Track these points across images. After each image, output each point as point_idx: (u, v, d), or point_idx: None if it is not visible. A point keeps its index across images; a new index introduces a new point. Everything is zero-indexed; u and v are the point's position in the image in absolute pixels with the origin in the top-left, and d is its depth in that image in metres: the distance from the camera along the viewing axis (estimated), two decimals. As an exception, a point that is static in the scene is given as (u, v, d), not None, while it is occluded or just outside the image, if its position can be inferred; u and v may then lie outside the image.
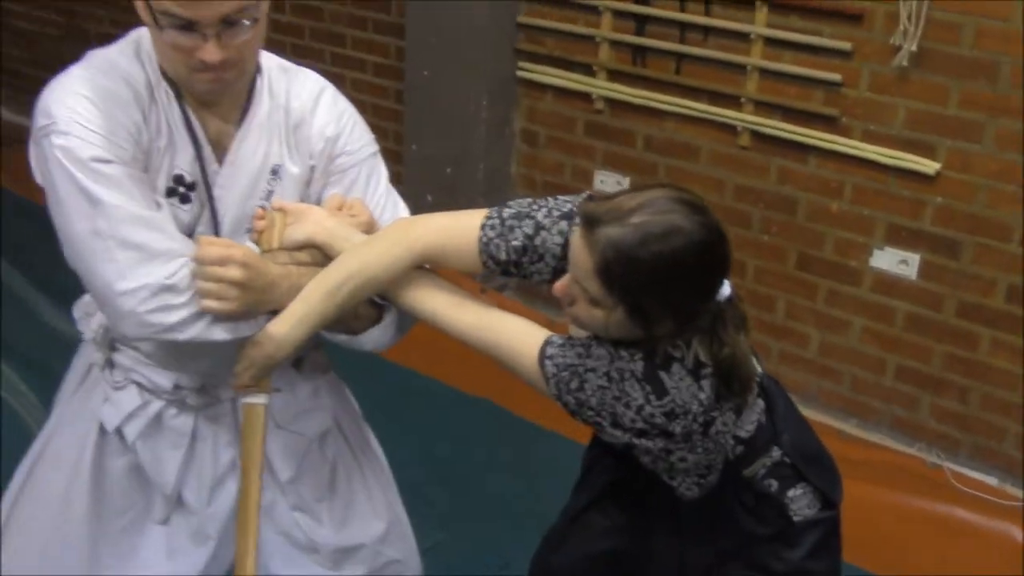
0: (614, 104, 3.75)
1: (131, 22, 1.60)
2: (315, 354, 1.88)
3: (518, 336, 1.60)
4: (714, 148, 3.55)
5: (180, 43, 1.48)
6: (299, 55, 4.31)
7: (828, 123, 3.29)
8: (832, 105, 3.25)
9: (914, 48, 3.04)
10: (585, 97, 3.80)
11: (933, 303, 3.24)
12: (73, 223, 1.49)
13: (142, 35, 1.60)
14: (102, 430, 1.74)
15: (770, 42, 3.34)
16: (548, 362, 1.55)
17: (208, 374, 1.70)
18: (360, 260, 1.62)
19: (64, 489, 1.77)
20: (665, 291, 1.44)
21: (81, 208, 1.48)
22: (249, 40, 1.52)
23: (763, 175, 3.48)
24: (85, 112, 1.50)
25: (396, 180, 1.85)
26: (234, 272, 1.51)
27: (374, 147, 1.78)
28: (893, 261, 3.28)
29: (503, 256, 1.62)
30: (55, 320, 3.72)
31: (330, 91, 1.74)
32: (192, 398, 1.75)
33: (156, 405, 1.74)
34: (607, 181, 3.83)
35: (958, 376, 3.26)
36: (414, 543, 2.04)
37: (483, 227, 1.63)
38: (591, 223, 1.44)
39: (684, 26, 3.50)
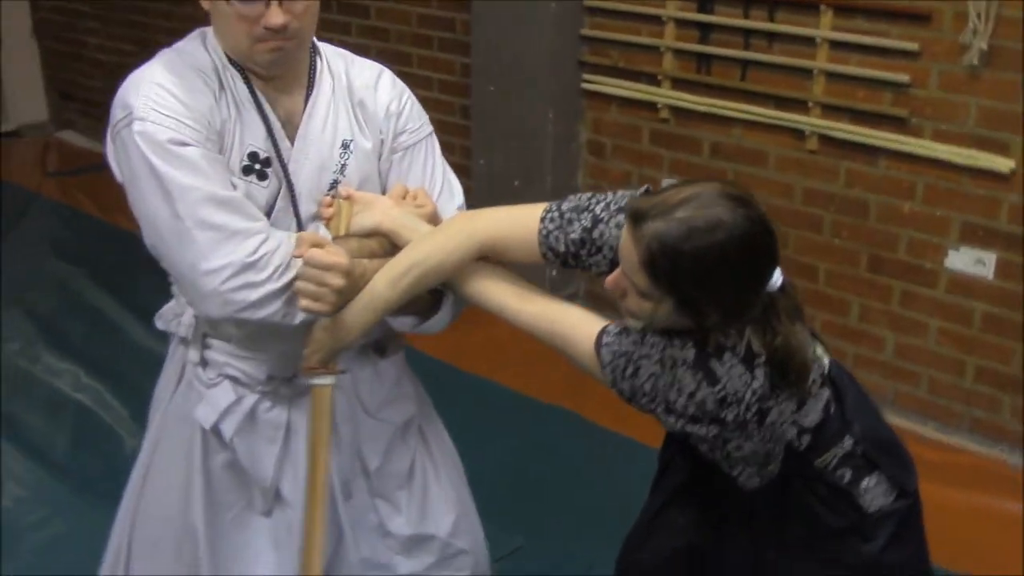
0: (679, 112, 3.76)
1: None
2: (395, 342, 1.93)
3: (577, 325, 1.64)
4: (782, 153, 3.55)
5: (245, 12, 1.55)
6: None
7: (897, 124, 3.27)
8: (901, 106, 3.24)
9: (984, 46, 3.02)
10: (650, 106, 3.82)
11: (1011, 302, 3.19)
12: (154, 208, 1.57)
13: (205, 29, 1.68)
14: (202, 430, 1.80)
15: (836, 45, 3.33)
16: (604, 349, 1.58)
17: (294, 359, 1.76)
18: (426, 249, 1.67)
19: (181, 492, 1.84)
20: (710, 284, 1.46)
21: (161, 192, 1.55)
22: (307, 7, 1.60)
23: (832, 178, 3.46)
24: (160, 99, 1.58)
25: (464, 195, 1.90)
26: (336, 280, 1.57)
27: (430, 127, 1.85)
28: (969, 261, 3.24)
29: (562, 248, 1.66)
30: (137, 334, 3.85)
31: (388, 72, 1.82)
32: (284, 388, 1.81)
33: (250, 400, 1.79)
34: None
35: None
36: (482, 536, 2.07)
37: (543, 219, 1.67)
38: (637, 218, 1.47)
39: (748, 32, 3.51)
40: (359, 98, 1.76)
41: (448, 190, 1.83)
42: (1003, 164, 3.09)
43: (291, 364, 1.78)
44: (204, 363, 1.80)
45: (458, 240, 1.68)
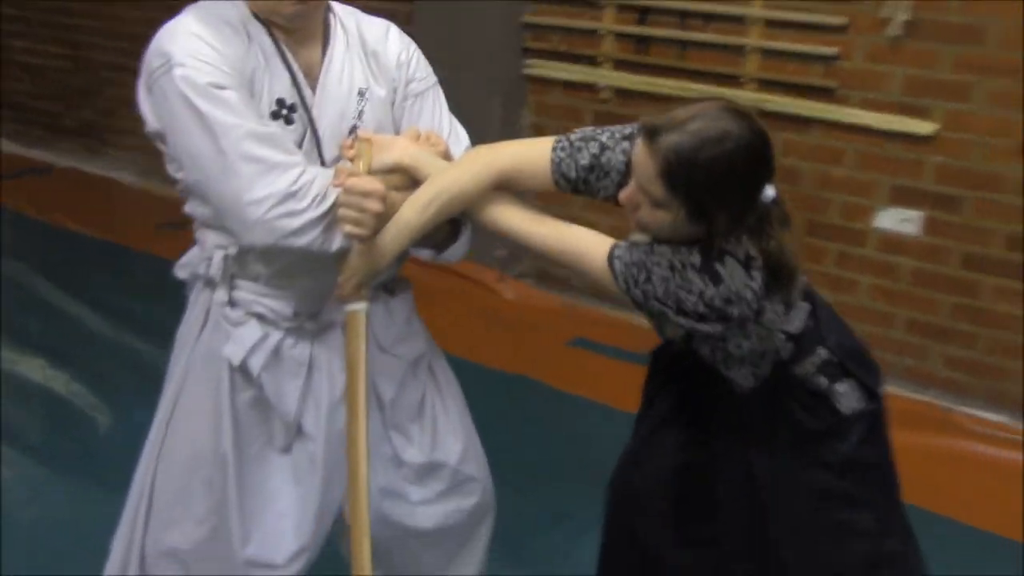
0: (620, 93, 3.95)
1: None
2: (402, 281, 2.05)
3: (589, 242, 1.79)
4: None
5: None
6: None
7: (827, 95, 3.51)
8: (830, 77, 3.48)
9: (906, 17, 3.27)
10: (591, 88, 4.01)
11: (937, 257, 3.45)
12: (198, 146, 1.67)
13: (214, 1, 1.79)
14: (230, 368, 1.90)
15: (768, 23, 3.57)
16: (617, 261, 1.74)
17: (319, 295, 1.87)
18: (449, 179, 1.81)
19: (211, 426, 1.92)
20: (720, 189, 1.63)
21: (205, 130, 1.66)
22: None
23: (768, 149, 3.68)
24: (197, 46, 1.68)
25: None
26: (375, 205, 1.69)
27: (435, 77, 1.98)
28: (896, 220, 3.49)
29: (573, 174, 1.81)
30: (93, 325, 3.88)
31: (394, 27, 1.95)
32: (310, 324, 1.91)
33: (275, 336, 1.89)
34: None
35: (965, 324, 3.47)
36: (487, 464, 2.20)
37: (554, 149, 1.82)
38: (653, 133, 1.63)
39: (685, 14, 3.72)
40: (372, 49, 1.88)
41: (455, 133, 1.97)
42: (926, 128, 3.35)
43: (316, 300, 1.89)
44: (232, 303, 1.89)
45: (477, 169, 1.82)
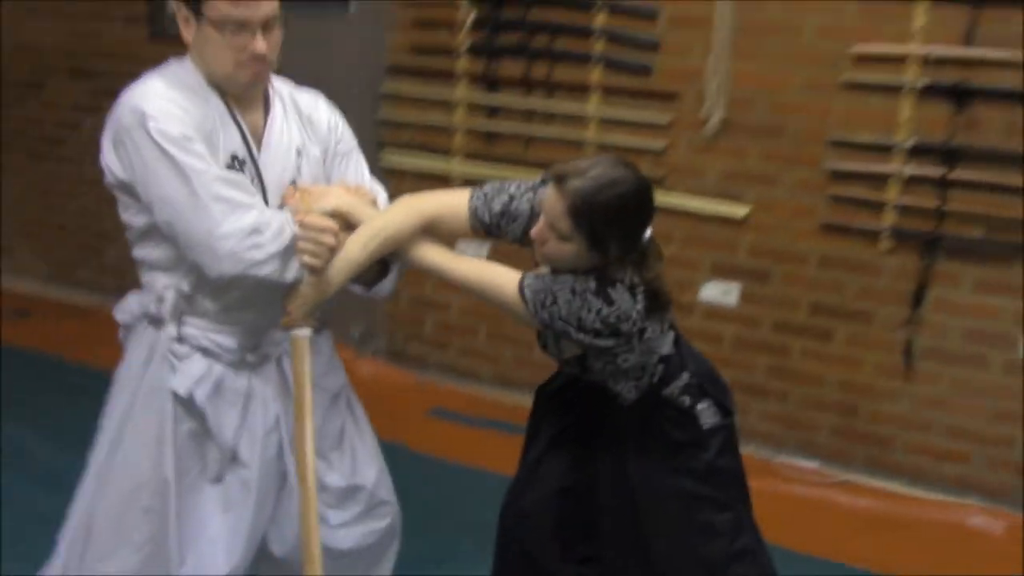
0: (470, 183, 4.29)
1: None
2: (325, 331, 2.30)
3: (502, 275, 2.11)
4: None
5: (235, 42, 1.95)
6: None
7: (656, 184, 3.97)
8: (659, 168, 3.98)
9: (720, 117, 3.82)
10: (444, 179, 4.37)
11: (753, 324, 3.95)
12: (172, 189, 1.91)
13: (181, 58, 2.06)
14: (174, 400, 2.08)
15: (603, 121, 4.05)
16: (527, 289, 2.07)
17: (259, 329, 2.10)
18: (385, 221, 2.10)
19: (153, 457, 2.08)
20: (615, 224, 2.00)
21: (178, 175, 1.90)
22: (277, 39, 2.02)
23: (605, 231, 4.14)
24: (166, 104, 1.94)
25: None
26: (330, 239, 1.97)
27: (355, 140, 2.30)
28: (718, 292, 3.98)
29: (487, 219, 2.15)
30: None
31: (322, 97, 2.26)
32: (251, 356, 2.13)
33: (218, 369, 2.10)
34: (467, 250, 4.38)
35: (778, 383, 3.97)
36: (394, 491, 2.44)
37: (472, 198, 2.16)
38: (561, 179, 1.99)
39: (530, 112, 4.16)
40: (306, 115, 2.18)
41: (374, 188, 2.27)
42: (740, 211, 3.88)
43: (257, 334, 2.12)
44: (180, 339, 2.09)
45: (408, 214, 2.12)
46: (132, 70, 5.17)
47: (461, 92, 4.27)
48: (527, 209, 2.14)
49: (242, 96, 2.07)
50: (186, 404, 2.09)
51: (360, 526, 2.33)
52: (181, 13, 2.00)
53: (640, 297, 2.07)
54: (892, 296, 3.75)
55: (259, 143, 2.09)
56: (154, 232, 2.03)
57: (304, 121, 2.18)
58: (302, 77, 2.32)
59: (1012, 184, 3.49)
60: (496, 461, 3.82)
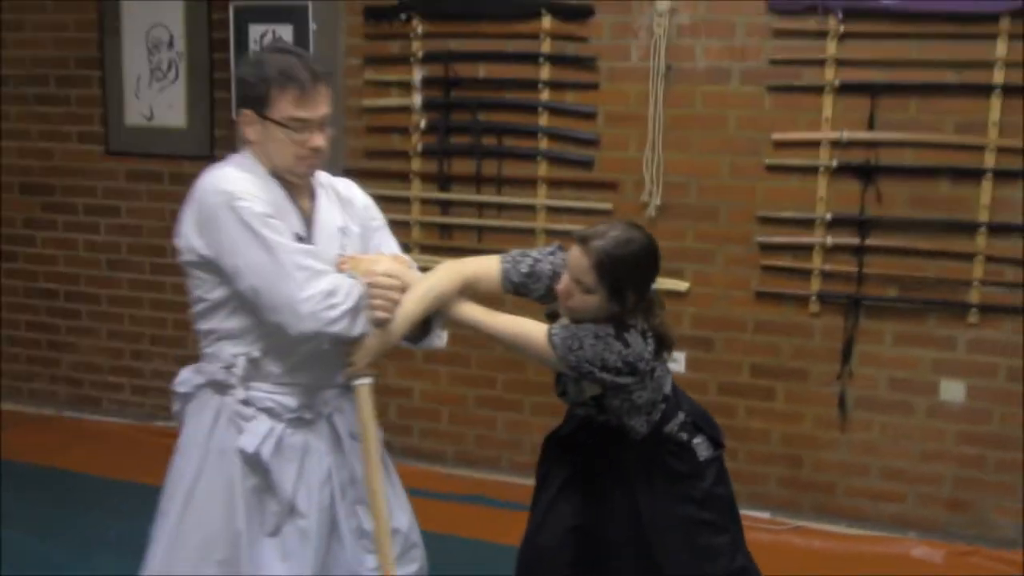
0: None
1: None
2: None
3: (532, 327, 2.44)
4: (515, 299, 4.50)
5: (297, 138, 2.26)
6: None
7: (603, 265, 4.36)
8: (604, 251, 4.34)
9: (658, 203, 4.23)
10: (400, 271, 4.65)
11: (699, 388, 4.29)
12: (256, 260, 2.19)
13: (242, 154, 2.36)
14: (241, 458, 2.29)
15: (550, 210, 4.42)
16: (555, 337, 2.38)
17: (313, 389, 2.37)
18: (433, 282, 2.42)
19: (224, 512, 2.29)
20: (632, 276, 2.37)
21: (263, 248, 2.19)
22: (329, 136, 2.33)
23: (557, 312, 4.47)
24: (248, 186, 2.24)
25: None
26: (397, 295, 2.26)
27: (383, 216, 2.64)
28: (666, 361, 4.33)
29: (515, 279, 2.50)
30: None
31: (352, 182, 2.59)
32: (307, 414, 2.37)
33: (279, 427, 2.33)
34: (427, 336, 4.66)
35: (727, 441, 4.29)
36: (421, 536, 2.67)
37: (502, 263, 2.52)
38: (585, 240, 2.36)
39: (481, 205, 4.51)
40: (345, 198, 2.49)
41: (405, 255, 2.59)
42: (681, 285, 4.26)
43: (313, 394, 2.37)
44: (246, 402, 2.33)
45: (451, 276, 2.44)
46: (86, 184, 5.35)
47: (416, 190, 4.60)
48: (548, 270, 2.48)
49: (296, 184, 2.36)
50: (252, 461, 2.31)
51: (396, 569, 2.55)
52: (246, 115, 2.29)
53: (650, 340, 2.40)
54: (823, 354, 4.15)
55: (310, 223, 2.37)
56: (228, 304, 2.28)
57: (343, 203, 2.49)
58: None
59: (920, 248, 3.97)
60: (468, 529, 4.06)
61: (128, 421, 5.23)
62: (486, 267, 2.53)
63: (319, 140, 2.29)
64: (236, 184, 2.24)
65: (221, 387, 2.34)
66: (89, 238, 5.25)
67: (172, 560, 2.32)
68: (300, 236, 2.32)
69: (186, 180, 5.38)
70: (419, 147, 4.55)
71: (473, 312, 2.47)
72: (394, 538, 2.53)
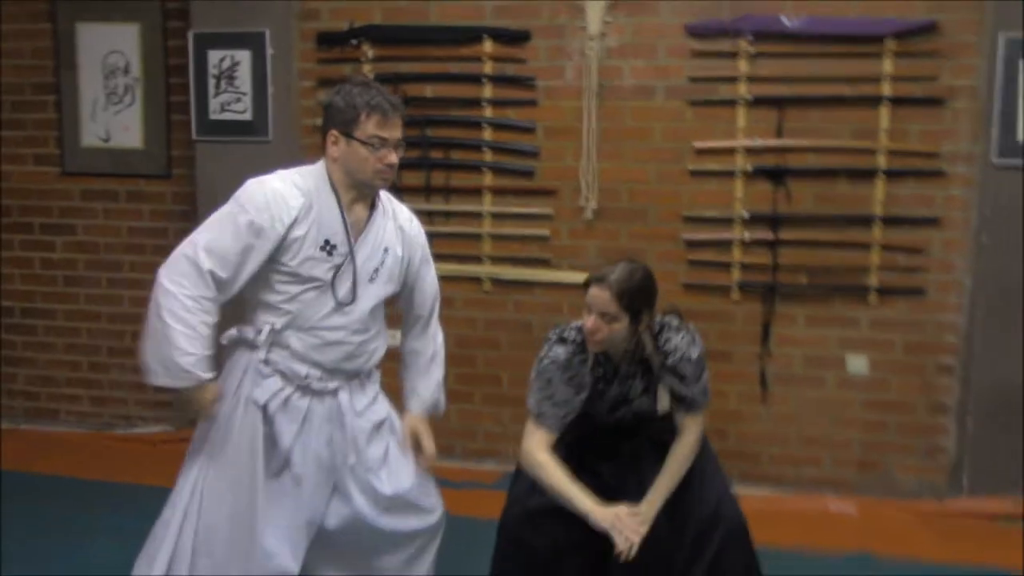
0: (380, 279, 4.98)
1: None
2: (374, 372, 2.92)
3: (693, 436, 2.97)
4: (466, 296, 4.91)
5: (377, 155, 2.65)
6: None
7: (544, 264, 4.80)
8: (545, 252, 4.79)
9: (594, 207, 4.69)
10: (355, 277, 5.00)
11: (636, 373, 4.76)
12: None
13: (311, 166, 2.75)
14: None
15: (496, 216, 4.84)
16: (700, 407, 2.99)
17: (322, 368, 2.74)
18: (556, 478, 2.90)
19: (249, 453, 2.70)
20: (644, 297, 2.82)
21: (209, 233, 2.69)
22: (400, 154, 2.72)
23: (503, 309, 4.89)
24: (277, 193, 2.66)
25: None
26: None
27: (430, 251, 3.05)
28: (605, 350, 4.77)
29: (566, 419, 2.91)
30: None
31: (412, 214, 2.96)
32: (315, 384, 2.74)
33: (288, 390, 2.71)
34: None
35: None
36: (436, 492, 3.03)
37: (550, 432, 2.92)
38: (600, 280, 2.80)
39: (431, 213, 4.90)
40: (400, 224, 2.87)
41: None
42: (617, 281, 4.72)
43: (320, 370, 2.75)
44: (266, 362, 2.70)
45: (557, 478, 2.91)
46: (41, 204, 5.51)
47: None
48: (580, 381, 2.92)
49: (359, 196, 2.73)
50: (263, 411, 2.70)
51: (403, 521, 2.92)
52: (333, 135, 2.68)
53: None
54: (745, 337, 4.67)
55: (359, 233, 2.74)
56: (266, 279, 2.68)
57: (400, 229, 2.86)
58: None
59: (825, 240, 4.53)
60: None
61: (87, 430, 5.42)
62: (547, 444, 2.93)
63: (394, 157, 2.68)
64: (258, 193, 2.66)
65: (251, 346, 2.73)
66: (46, 256, 5.46)
67: (206, 470, 2.72)
68: (330, 244, 2.68)
69: (143, 198, 5.84)
70: (372, 161, 4.92)
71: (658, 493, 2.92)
72: (402, 499, 2.92)
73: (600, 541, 2.91)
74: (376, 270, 2.77)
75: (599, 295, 2.79)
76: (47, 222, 5.42)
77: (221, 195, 2.79)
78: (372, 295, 2.78)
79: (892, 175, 4.46)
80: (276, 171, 2.73)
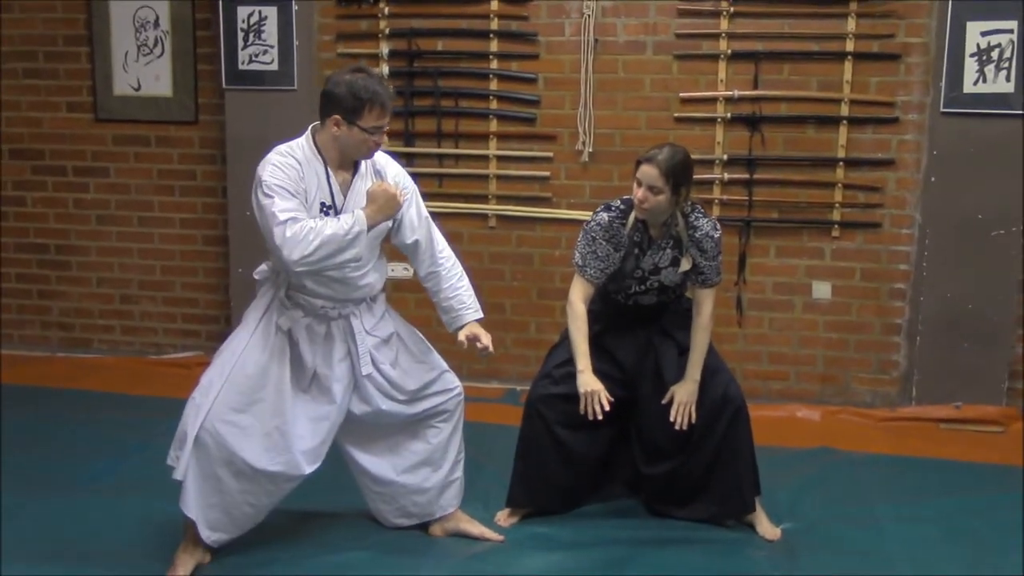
0: (393, 216, 5.49)
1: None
2: (380, 292, 3.48)
3: (707, 311, 3.67)
4: (472, 232, 5.44)
5: (372, 138, 3.14)
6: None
7: (545, 202, 5.35)
8: (546, 191, 5.33)
9: (590, 151, 5.24)
10: (370, 215, 5.50)
11: (626, 300, 5.32)
12: (259, 217, 3.12)
13: (301, 139, 3.22)
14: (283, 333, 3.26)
15: (500, 158, 5.36)
16: (715, 277, 3.67)
17: (331, 300, 3.27)
18: (582, 339, 3.60)
19: (268, 363, 3.24)
20: (685, 174, 3.40)
21: (259, 209, 3.13)
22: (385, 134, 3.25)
23: (507, 243, 5.43)
24: (282, 165, 3.13)
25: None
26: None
27: (414, 185, 3.48)
28: (598, 279, 5.33)
29: (606, 271, 3.54)
30: None
31: (391, 159, 3.44)
32: (330, 311, 3.28)
33: (307, 319, 3.26)
34: (396, 269, 5.52)
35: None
36: (453, 379, 3.57)
37: (591, 282, 3.59)
38: (649, 159, 3.37)
39: (441, 156, 5.41)
40: (378, 168, 3.35)
41: (429, 222, 3.51)
42: (610, 217, 5.27)
43: (330, 302, 3.28)
44: (288, 296, 3.26)
45: (582, 323, 3.60)
46: (75, 148, 5.94)
47: (385, 145, 5.43)
48: (605, 247, 3.52)
49: (343, 163, 3.23)
50: (289, 335, 3.26)
51: (425, 403, 3.51)
52: (336, 119, 3.13)
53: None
54: (724, 266, 5.22)
55: (346, 193, 3.24)
56: None
57: (377, 174, 3.33)
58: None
59: (794, 180, 5.12)
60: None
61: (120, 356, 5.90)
62: (586, 294, 3.59)
63: (382, 138, 3.21)
64: (270, 164, 3.13)
65: (276, 281, 3.29)
66: (79, 197, 5.89)
67: (237, 365, 3.24)
68: (325, 205, 3.18)
69: (172, 143, 6.42)
70: (387, 109, 5.42)
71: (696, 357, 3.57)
72: (419, 393, 3.49)
73: (618, 418, 3.54)
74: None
75: (648, 171, 3.36)
76: (80, 165, 5.84)
77: (249, 138, 3.22)
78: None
79: (853, 122, 5.04)
80: (269, 152, 3.18)
